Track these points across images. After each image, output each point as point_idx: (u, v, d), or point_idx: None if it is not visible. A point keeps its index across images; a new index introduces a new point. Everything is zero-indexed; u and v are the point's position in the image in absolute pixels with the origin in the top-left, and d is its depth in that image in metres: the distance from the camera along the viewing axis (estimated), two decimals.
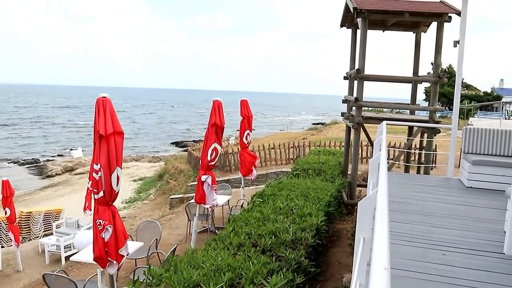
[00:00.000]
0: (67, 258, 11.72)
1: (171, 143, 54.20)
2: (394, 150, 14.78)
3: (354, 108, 9.03)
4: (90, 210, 14.78)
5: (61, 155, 42.98)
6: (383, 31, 10.44)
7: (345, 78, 10.77)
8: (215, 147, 7.02)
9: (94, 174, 4.38)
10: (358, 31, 8.97)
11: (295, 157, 18.05)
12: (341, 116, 11.11)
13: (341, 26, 10.61)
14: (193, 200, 8.35)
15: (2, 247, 12.85)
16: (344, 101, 10.74)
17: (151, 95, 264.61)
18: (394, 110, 12.59)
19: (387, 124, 6.68)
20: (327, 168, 9.41)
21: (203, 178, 7.03)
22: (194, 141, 46.24)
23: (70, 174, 33.21)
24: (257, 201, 6.22)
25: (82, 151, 40.00)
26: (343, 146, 14.95)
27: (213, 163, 7.15)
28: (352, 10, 8.39)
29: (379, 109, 18.57)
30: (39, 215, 16.04)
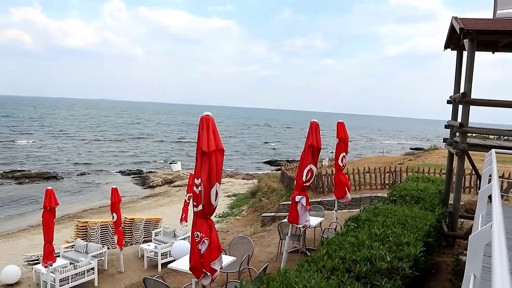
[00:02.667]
0: (163, 265, 12.36)
1: (264, 162, 55.12)
2: (502, 181, 13.58)
3: (458, 134, 8.48)
4: (186, 221, 15.51)
5: (162, 168, 45.70)
6: (493, 53, 9.75)
7: (448, 102, 10.17)
8: (310, 168, 7.01)
9: (194, 188, 4.59)
10: (464, 53, 8.47)
11: (391, 182, 17.36)
12: (443, 142, 10.49)
13: (445, 47, 10.09)
14: (285, 220, 8.38)
15: (108, 248, 13.88)
16: (447, 126, 10.14)
17: (247, 114, 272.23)
18: (502, 137, 11.60)
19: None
20: (426, 196, 8.91)
21: (297, 198, 7.03)
22: (288, 160, 46.56)
23: (169, 186, 35.14)
24: (352, 225, 6.08)
25: (181, 165, 42.18)
26: (443, 173, 14.07)
27: (307, 184, 7.14)
28: (458, 31, 7.95)
29: (484, 135, 17.25)
30: (141, 222, 17.13)
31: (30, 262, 14.47)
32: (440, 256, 8.13)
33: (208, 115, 4.60)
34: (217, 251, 4.76)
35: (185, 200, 15.50)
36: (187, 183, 16.24)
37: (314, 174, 7.26)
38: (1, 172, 38.92)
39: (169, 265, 6.89)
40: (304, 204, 7.00)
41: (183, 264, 6.24)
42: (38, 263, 12.42)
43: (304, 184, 7.09)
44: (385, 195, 11.13)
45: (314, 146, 7.00)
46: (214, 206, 4.69)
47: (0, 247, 19.28)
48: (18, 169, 40.52)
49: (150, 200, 30.53)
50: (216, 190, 4.59)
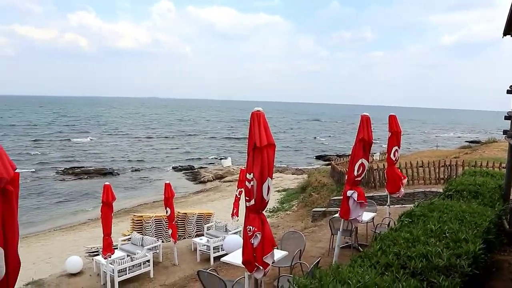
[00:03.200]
0: (215, 258, 12.61)
1: (314, 157, 54.76)
2: None
3: None
4: (237, 216, 15.71)
5: (212, 164, 46.47)
6: None
7: (508, 92, 9.64)
8: (362, 162, 6.90)
9: (246, 183, 4.65)
10: None
11: (445, 176, 16.75)
12: (503, 134, 9.96)
13: (505, 34, 9.52)
14: (337, 215, 8.31)
15: (163, 241, 14.32)
16: (507, 118, 9.61)
17: (296, 109, 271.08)
18: None
19: None
20: (485, 191, 8.51)
21: (349, 193, 6.95)
22: (338, 155, 45.99)
23: (220, 181, 35.68)
24: (406, 220, 5.94)
25: (231, 160, 42.72)
26: (503, 167, 13.40)
27: (359, 178, 7.03)
28: None
29: None
30: (193, 216, 17.53)
31: (91, 254, 15.20)
32: (501, 254, 7.77)
33: (259, 111, 4.64)
34: (270, 245, 4.80)
35: (236, 195, 15.70)
36: (238, 178, 16.42)
37: (366, 168, 7.14)
38: (63, 168, 41.08)
39: (222, 259, 7.02)
40: (356, 199, 6.91)
41: (235, 257, 6.35)
42: (98, 254, 13.03)
43: (356, 179, 6.99)
44: (440, 190, 10.74)
45: (365, 140, 6.89)
46: (266, 201, 4.74)
47: (64, 239, 20.40)
48: (78, 165, 42.57)
49: (202, 195, 31.15)
50: (268, 185, 4.63)
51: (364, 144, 6.90)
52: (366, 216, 9.36)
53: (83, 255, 14.68)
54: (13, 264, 2.60)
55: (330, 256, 8.69)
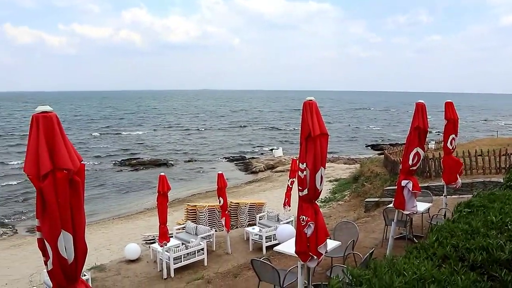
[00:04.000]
0: (267, 247, 12.72)
1: (366, 146, 53.70)
2: None
3: None
4: (289, 206, 15.75)
5: (264, 154, 46.71)
6: None
7: None
8: (417, 151, 6.71)
9: (299, 173, 4.66)
10: None
11: (507, 166, 15.91)
12: None
13: None
14: (391, 205, 8.15)
15: (216, 230, 14.63)
16: None
17: (347, 97, 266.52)
18: None
19: None
20: None
21: (404, 183, 6.79)
22: (391, 144, 44.84)
23: (271, 172, 35.83)
24: (464, 211, 5.72)
25: (283, 150, 42.76)
26: None
27: (414, 168, 6.85)
28: None
29: None
30: (245, 206, 17.75)
31: (148, 241, 15.81)
32: None
33: (311, 100, 4.62)
34: (323, 235, 4.80)
35: (288, 185, 15.72)
36: (289, 168, 16.43)
37: (421, 157, 6.94)
38: (120, 160, 42.85)
39: (275, 248, 7.09)
40: (411, 189, 6.74)
41: (288, 247, 6.40)
42: (154, 242, 13.50)
43: (411, 168, 6.82)
44: (501, 180, 10.25)
45: (420, 128, 6.69)
46: (319, 191, 4.73)
47: (122, 227, 21.33)
48: (133, 157, 44.20)
49: (253, 185, 31.43)
50: (321, 175, 4.62)
51: (419, 132, 6.71)
52: (421, 206, 9.11)
53: (141, 242, 15.28)
54: (81, 249, 2.77)
55: (383, 247, 8.56)
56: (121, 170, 38.72)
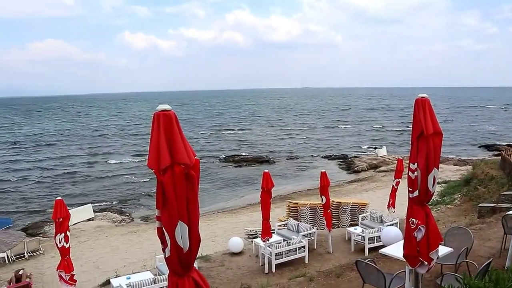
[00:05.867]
0: (370, 249, 12.36)
1: (480, 146, 49.68)
2: None
3: None
4: (394, 207, 15.14)
5: (366, 153, 45.46)
6: None
7: None
8: None
9: (410, 173, 4.45)
10: None
11: None
12: None
13: None
14: (511, 212, 7.44)
15: (317, 229, 14.56)
16: None
17: (460, 94, 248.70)
18: None
19: None
20: None
21: None
22: (509, 144, 40.95)
23: (374, 171, 34.76)
24: None
25: (386, 150, 41.24)
26: None
27: None
28: None
29: None
30: (347, 206, 17.43)
31: (250, 236, 16.28)
32: None
33: (423, 97, 4.38)
34: (436, 240, 4.52)
35: (393, 185, 15.11)
36: (395, 168, 15.78)
37: None
38: (225, 156, 44.63)
39: (381, 250, 6.85)
40: None
41: (395, 250, 6.14)
42: (257, 237, 13.83)
43: None
44: None
45: None
46: (431, 193, 4.47)
47: (226, 220, 22.19)
48: (237, 154, 45.72)
49: (355, 184, 30.76)
50: (434, 176, 4.36)
51: None
52: None
53: (243, 236, 15.76)
54: (195, 239, 2.93)
55: (502, 257, 7.84)
56: (225, 166, 40.31)
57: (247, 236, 16.36)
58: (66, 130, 78.00)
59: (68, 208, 8.75)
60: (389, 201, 15.35)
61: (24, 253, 17.50)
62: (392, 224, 13.65)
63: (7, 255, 16.96)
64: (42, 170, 39.93)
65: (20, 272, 13.97)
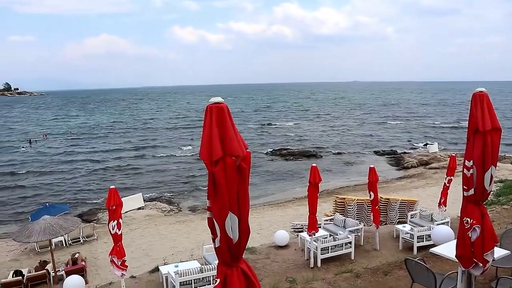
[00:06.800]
0: (419, 248, 12.04)
1: None
2: None
3: None
4: (445, 206, 14.65)
5: (416, 149, 44.15)
6: None
7: None
8: None
9: (465, 171, 4.29)
10: None
11: None
12: None
13: None
14: None
15: (364, 225, 14.34)
16: None
17: None
18: None
19: None
20: None
21: None
22: None
23: (425, 168, 33.71)
24: None
25: (438, 146, 39.88)
26: None
27: None
28: None
29: None
30: (395, 202, 17.04)
31: (296, 229, 16.27)
32: None
33: (481, 91, 4.20)
34: (491, 241, 4.35)
35: (445, 183, 14.61)
36: (447, 165, 15.23)
37: None
38: (271, 150, 44.74)
39: (431, 250, 6.68)
40: None
41: (446, 250, 5.96)
42: (302, 231, 13.80)
43: None
44: None
45: None
46: (488, 191, 4.30)
47: (272, 213, 22.29)
48: (283, 148, 45.70)
49: (404, 181, 29.99)
50: (491, 174, 4.19)
51: None
52: None
53: (289, 230, 15.76)
54: (244, 231, 2.98)
55: None
56: (272, 160, 40.39)
57: (293, 230, 16.36)
58: (119, 122, 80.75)
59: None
60: (440, 199, 14.86)
61: (79, 238, 18.43)
62: (443, 223, 13.23)
63: (64, 239, 17.96)
64: (94, 162, 41.56)
65: (76, 256, 14.73)
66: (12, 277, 13.65)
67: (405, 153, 41.28)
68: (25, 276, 13.55)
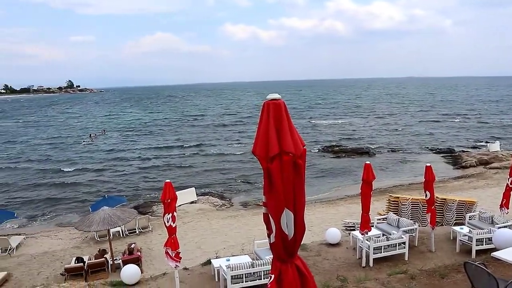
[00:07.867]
0: (477, 251, 11.54)
1: None
2: None
3: None
4: (507, 208, 13.92)
5: (476, 147, 42.20)
6: None
7: None
8: None
9: None
10: None
11: None
12: None
13: None
14: None
15: (419, 225, 13.92)
16: None
17: None
18: None
19: None
20: None
21: None
22: None
23: (485, 168, 32.18)
24: None
25: (500, 145, 37.93)
26: None
27: None
28: None
29: None
30: (453, 203, 16.38)
31: (348, 228, 16.05)
32: None
33: None
34: None
35: (507, 184, 13.85)
36: (510, 165, 14.46)
37: None
38: (323, 146, 44.31)
39: (493, 254, 6.39)
40: None
41: (510, 254, 5.68)
42: (354, 229, 13.59)
43: None
44: None
45: None
46: None
47: (324, 210, 22.10)
48: (336, 144, 45.12)
49: (462, 181, 28.75)
50: None
51: None
52: None
53: (341, 228, 15.57)
54: (300, 228, 2.98)
55: None
56: (324, 157, 39.99)
57: (344, 228, 16.15)
58: (170, 119, 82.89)
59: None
60: (502, 200, 14.10)
61: (135, 229, 19.17)
62: (505, 226, 12.57)
63: (122, 230, 18.77)
64: (148, 158, 42.91)
65: (132, 246, 15.33)
66: (75, 263, 14.47)
67: (463, 151, 39.56)
68: (85, 263, 14.29)
